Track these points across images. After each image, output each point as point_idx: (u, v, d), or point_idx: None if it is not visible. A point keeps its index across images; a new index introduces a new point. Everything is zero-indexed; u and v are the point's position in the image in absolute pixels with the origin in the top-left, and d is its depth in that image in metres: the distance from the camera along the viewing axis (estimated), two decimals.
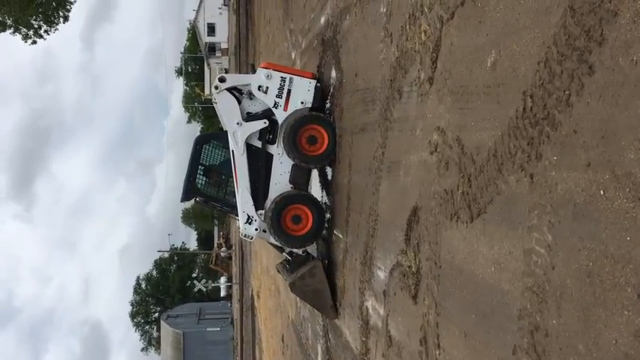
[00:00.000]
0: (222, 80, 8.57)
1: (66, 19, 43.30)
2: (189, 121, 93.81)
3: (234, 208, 9.19)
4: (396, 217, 5.76)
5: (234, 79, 8.72)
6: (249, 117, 8.65)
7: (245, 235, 9.08)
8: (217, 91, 8.54)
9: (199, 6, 67.05)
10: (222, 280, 60.68)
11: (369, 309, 6.81)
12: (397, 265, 5.74)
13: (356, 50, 7.54)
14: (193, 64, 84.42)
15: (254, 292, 29.01)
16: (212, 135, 9.28)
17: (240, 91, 8.68)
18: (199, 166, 9.30)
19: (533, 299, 3.38)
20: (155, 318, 74.73)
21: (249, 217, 8.85)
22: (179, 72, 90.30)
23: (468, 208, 4.23)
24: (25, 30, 41.45)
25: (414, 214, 5.28)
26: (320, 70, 9.73)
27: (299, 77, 8.61)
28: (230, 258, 58.36)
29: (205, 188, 9.50)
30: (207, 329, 53.27)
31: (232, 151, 8.68)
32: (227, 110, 8.62)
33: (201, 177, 9.37)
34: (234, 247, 52.75)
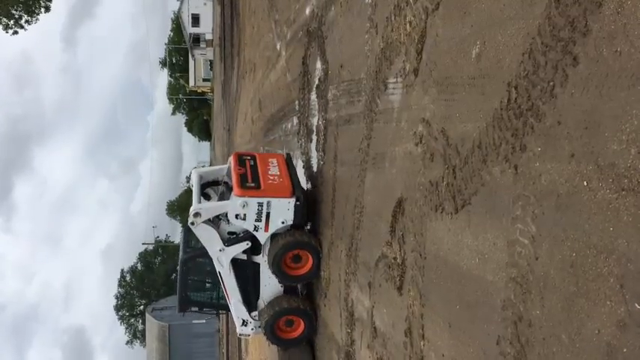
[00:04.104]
0: (197, 215, 8.24)
1: (47, 9, 42.74)
2: (173, 113, 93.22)
3: (228, 309, 9.52)
4: (382, 208, 5.76)
5: (209, 212, 8.36)
6: (230, 238, 8.60)
7: (241, 335, 9.70)
8: (194, 226, 8.31)
9: None
10: None
11: (354, 300, 6.82)
12: (382, 256, 5.75)
13: (341, 41, 7.50)
14: (178, 55, 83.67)
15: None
16: (197, 254, 9.11)
17: (217, 216, 8.51)
18: (189, 281, 9.60)
19: (516, 290, 3.40)
20: (140, 311, 74.32)
21: (244, 320, 9.37)
22: (163, 63, 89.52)
23: (452, 200, 4.24)
24: (5, 20, 40.85)
25: (399, 206, 5.29)
26: (305, 62, 9.68)
27: (277, 199, 8.21)
28: None
29: (198, 298, 9.95)
30: (193, 322, 53.07)
31: (219, 272, 8.74)
32: (207, 240, 8.50)
33: (193, 290, 9.72)
34: None
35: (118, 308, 77.51)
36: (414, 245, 4.95)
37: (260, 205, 8.15)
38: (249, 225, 8.26)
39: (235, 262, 8.72)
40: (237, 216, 8.16)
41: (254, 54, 19.39)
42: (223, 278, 8.82)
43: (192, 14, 65.27)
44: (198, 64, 69.89)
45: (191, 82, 72.32)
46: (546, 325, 3.13)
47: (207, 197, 9.25)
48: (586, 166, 2.85)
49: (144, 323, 64.72)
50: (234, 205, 8.12)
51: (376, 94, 5.95)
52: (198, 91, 72.64)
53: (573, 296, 2.91)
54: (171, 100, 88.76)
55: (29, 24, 42.38)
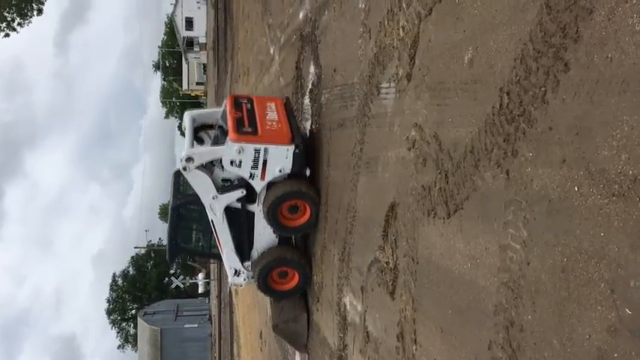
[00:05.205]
0: (189, 160, 7.82)
1: (40, 11, 42.60)
2: (166, 117, 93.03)
3: (220, 258, 9.24)
4: (374, 213, 5.76)
5: (202, 157, 7.91)
6: (224, 185, 8.24)
7: (234, 284, 9.42)
8: (186, 172, 7.91)
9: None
10: (200, 276, 60.32)
11: (347, 305, 6.82)
12: (375, 261, 5.74)
13: (334, 46, 7.51)
14: (171, 58, 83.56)
15: (232, 289, 28.92)
16: (188, 201, 8.74)
17: (211, 162, 8.12)
18: (180, 228, 9.21)
19: (508, 295, 3.40)
20: (132, 315, 73.93)
21: (236, 270, 9.04)
22: (156, 66, 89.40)
23: (444, 205, 4.25)
24: None
25: (392, 211, 5.29)
26: (298, 67, 9.69)
27: (274, 146, 7.77)
28: None
29: (189, 246, 9.57)
30: (185, 326, 52.89)
31: (212, 220, 8.42)
32: (200, 187, 8.12)
33: (183, 237, 9.34)
34: None
35: (109, 312, 77.06)
36: (406, 250, 4.96)
37: (257, 151, 7.74)
38: (244, 172, 7.89)
39: (229, 211, 8.36)
40: (232, 162, 7.79)
41: (247, 58, 19.40)
42: (216, 227, 8.48)
43: (186, 18, 65.28)
44: (192, 68, 69.81)
45: (184, 86, 72.17)
46: (537, 329, 3.13)
47: (201, 141, 8.87)
48: (577, 172, 2.86)
49: (135, 327, 64.41)
50: (229, 150, 7.73)
51: (369, 98, 5.96)
52: (192, 94, 72.52)
53: (564, 301, 2.92)
54: (164, 103, 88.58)
55: (21, 26, 42.25)
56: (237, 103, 8.36)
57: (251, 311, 19.15)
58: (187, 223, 9.24)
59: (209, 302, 56.63)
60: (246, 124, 7.89)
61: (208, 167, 8.10)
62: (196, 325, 52.35)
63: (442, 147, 4.31)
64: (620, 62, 2.62)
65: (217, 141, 8.40)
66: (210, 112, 9.19)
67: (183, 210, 8.97)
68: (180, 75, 74.84)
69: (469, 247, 3.92)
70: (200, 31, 63.95)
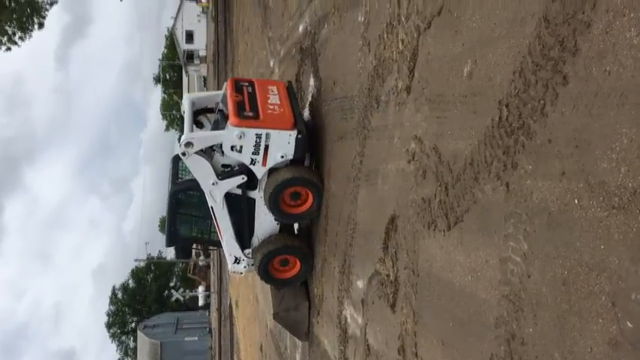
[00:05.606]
0: (189, 145, 7.58)
1: (41, 25, 42.83)
2: (167, 129, 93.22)
3: (219, 245, 9.07)
4: (375, 225, 5.75)
5: (202, 142, 7.68)
6: (224, 171, 8.01)
7: (234, 272, 9.24)
8: (185, 157, 7.71)
9: (177, 13, 66.68)
10: (200, 289, 60.18)
11: (348, 318, 6.79)
12: (375, 273, 5.73)
13: (334, 59, 7.55)
14: (171, 71, 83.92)
15: (232, 301, 28.82)
16: (188, 186, 8.50)
17: (211, 147, 7.91)
18: (179, 215, 8.98)
19: (509, 307, 3.39)
20: (132, 328, 73.63)
21: (236, 258, 8.87)
22: (157, 79, 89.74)
23: (445, 217, 4.24)
24: None
25: (392, 223, 5.29)
26: (298, 79, 9.73)
27: (277, 131, 7.51)
28: (208, 267, 57.88)
29: (188, 233, 9.34)
30: (185, 339, 52.74)
31: (211, 207, 8.25)
32: (199, 173, 7.91)
33: (182, 224, 9.13)
34: (212, 256, 52.35)
35: (109, 325, 76.75)
36: (406, 262, 4.95)
37: (258, 136, 7.47)
38: (245, 158, 7.65)
39: (229, 197, 8.15)
40: (232, 147, 7.53)
41: (248, 70, 19.46)
42: (216, 213, 8.28)
43: (187, 31, 65.64)
44: (192, 80, 70.03)
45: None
46: (539, 342, 3.12)
47: (200, 125, 8.67)
48: (577, 184, 2.86)
49: (135, 341, 64.14)
50: (229, 135, 7.46)
51: (369, 111, 5.98)
52: None
53: (565, 314, 2.91)
54: (164, 116, 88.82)
55: (23, 40, 42.45)
56: (238, 86, 8.14)
57: (251, 324, 19.07)
58: (186, 210, 8.98)
59: (209, 315, 56.45)
60: (248, 108, 7.67)
61: (208, 152, 7.91)
62: (196, 338, 52.18)
63: (442, 159, 4.32)
64: (618, 75, 2.63)
65: (217, 125, 8.23)
66: (211, 95, 9.00)
67: (182, 196, 8.75)
68: (181, 87, 75.07)
69: (470, 260, 3.91)
70: (200, 44, 64.28)
